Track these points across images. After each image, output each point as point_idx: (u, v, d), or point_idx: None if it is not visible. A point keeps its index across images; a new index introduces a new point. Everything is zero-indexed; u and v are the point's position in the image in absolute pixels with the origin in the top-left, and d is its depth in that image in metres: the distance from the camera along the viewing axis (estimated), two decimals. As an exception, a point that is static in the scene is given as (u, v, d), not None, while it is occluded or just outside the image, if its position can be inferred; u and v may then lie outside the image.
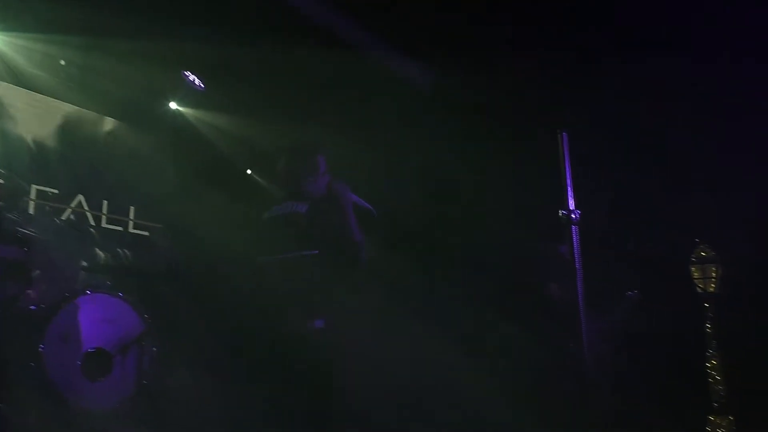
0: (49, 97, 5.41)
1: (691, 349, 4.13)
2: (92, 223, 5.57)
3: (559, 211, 2.44)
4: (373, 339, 4.68)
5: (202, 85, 5.57)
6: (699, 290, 4.12)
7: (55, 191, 5.33)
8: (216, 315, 5.02)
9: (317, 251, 3.04)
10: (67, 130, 5.62)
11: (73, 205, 5.46)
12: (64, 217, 5.30)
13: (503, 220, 4.55)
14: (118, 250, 5.50)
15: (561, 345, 3.89)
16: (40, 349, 3.82)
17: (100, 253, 5.41)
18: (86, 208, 5.52)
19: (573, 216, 2.39)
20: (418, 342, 4.43)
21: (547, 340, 4.03)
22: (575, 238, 2.38)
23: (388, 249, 5.01)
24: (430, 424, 3.78)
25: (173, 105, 6.03)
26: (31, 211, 4.94)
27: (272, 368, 3.00)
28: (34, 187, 5.18)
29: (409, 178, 4.94)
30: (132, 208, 5.76)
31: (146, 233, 5.80)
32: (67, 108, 5.55)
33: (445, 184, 4.87)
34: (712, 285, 4.11)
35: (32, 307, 4.11)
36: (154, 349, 4.31)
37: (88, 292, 4.18)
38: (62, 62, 5.34)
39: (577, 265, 2.33)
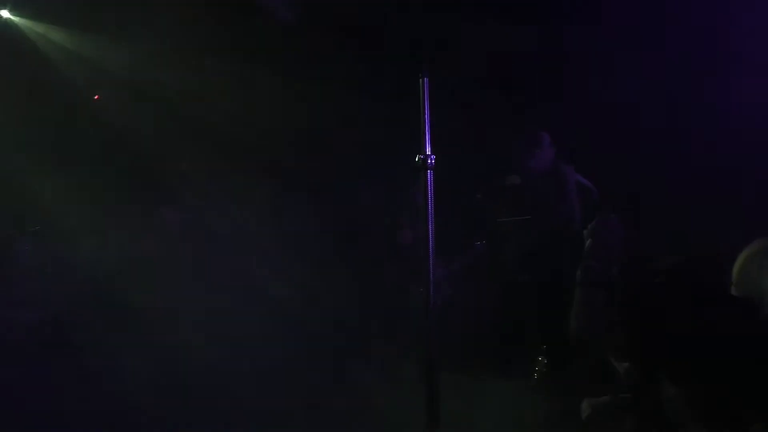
0: None
1: (527, 297, 4.43)
2: None
3: (416, 156, 2.45)
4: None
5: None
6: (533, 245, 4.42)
7: None
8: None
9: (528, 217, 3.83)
10: None
11: None
12: None
13: (360, 163, 4.55)
14: None
15: (410, 288, 4.02)
16: None
17: None
18: None
19: (429, 161, 2.41)
20: (268, 279, 4.37)
21: (397, 284, 4.14)
22: (430, 183, 2.40)
23: (250, 188, 4.86)
24: (276, 359, 3.79)
25: (4, 13, 5.32)
26: None
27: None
28: None
29: (268, 114, 4.79)
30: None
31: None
32: None
33: (304, 126, 4.77)
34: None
35: None
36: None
37: None
38: None
39: (430, 211, 2.36)
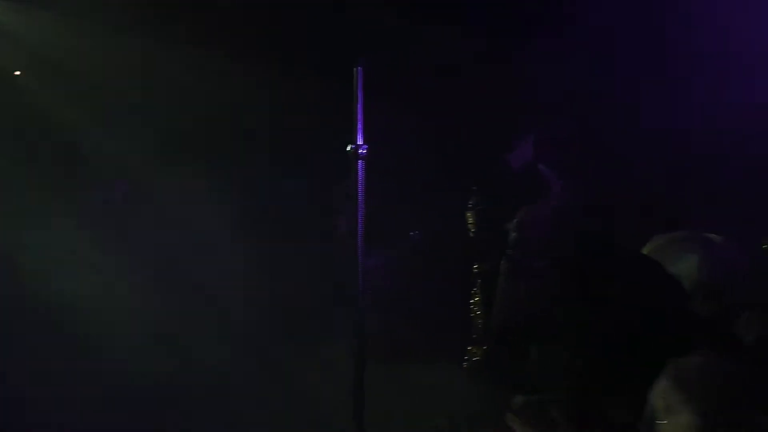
0: None
1: (463, 287, 4.48)
2: None
3: (348, 146, 2.46)
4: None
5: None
6: (471, 234, 4.48)
7: None
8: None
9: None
10: None
11: None
12: None
13: (294, 152, 4.50)
14: None
15: (340, 279, 3.99)
16: None
17: None
18: None
19: (360, 151, 2.43)
20: (196, 267, 4.28)
21: (327, 273, 4.12)
22: (361, 173, 2.42)
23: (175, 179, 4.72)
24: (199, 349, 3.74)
25: None
26: None
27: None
28: None
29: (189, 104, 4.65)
30: None
31: None
32: None
33: (234, 114, 4.65)
34: (482, 229, 4.50)
35: None
36: None
37: None
38: None
39: (360, 200, 2.37)
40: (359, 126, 2.43)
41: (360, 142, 2.41)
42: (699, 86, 3.90)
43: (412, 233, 4.62)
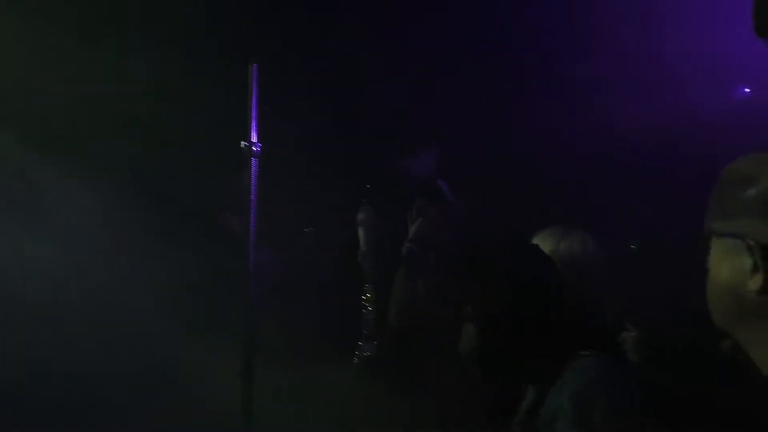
0: None
1: (355, 285, 4.54)
2: None
3: (241, 143, 2.44)
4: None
5: None
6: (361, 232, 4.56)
7: None
8: None
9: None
10: None
11: None
12: None
13: (183, 149, 4.37)
14: None
15: (232, 278, 3.93)
16: None
17: None
18: None
19: (254, 148, 2.41)
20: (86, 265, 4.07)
21: (218, 273, 4.05)
22: (254, 170, 2.41)
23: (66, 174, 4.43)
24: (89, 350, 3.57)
25: None
26: None
27: None
28: None
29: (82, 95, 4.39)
30: None
31: None
32: None
33: (123, 104, 4.43)
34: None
35: None
36: None
37: None
38: None
39: (253, 198, 2.37)
40: (254, 123, 2.42)
41: (254, 139, 2.40)
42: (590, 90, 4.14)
43: (306, 230, 4.63)
